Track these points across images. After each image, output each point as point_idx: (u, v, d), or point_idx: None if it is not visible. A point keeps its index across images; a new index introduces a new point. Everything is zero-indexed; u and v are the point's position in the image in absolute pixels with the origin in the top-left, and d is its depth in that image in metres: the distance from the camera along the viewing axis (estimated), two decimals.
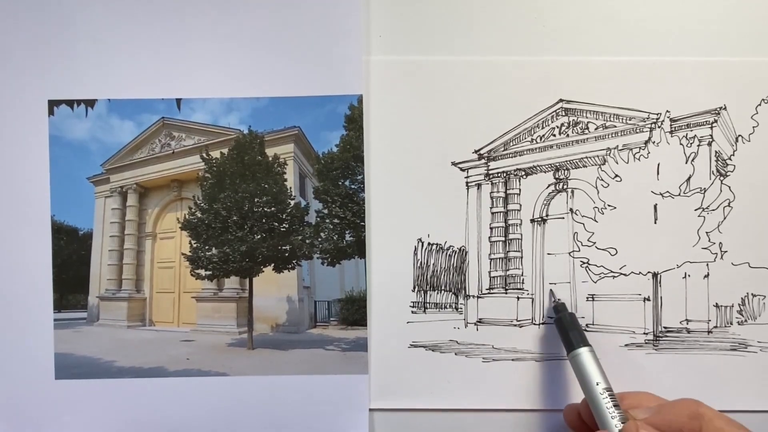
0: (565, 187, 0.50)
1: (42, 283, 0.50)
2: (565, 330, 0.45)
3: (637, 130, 0.49)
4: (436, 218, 0.50)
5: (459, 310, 0.50)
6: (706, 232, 0.49)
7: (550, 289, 0.49)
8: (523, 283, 0.50)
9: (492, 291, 0.50)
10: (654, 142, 0.49)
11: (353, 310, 0.50)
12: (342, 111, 0.49)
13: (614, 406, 0.40)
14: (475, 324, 0.50)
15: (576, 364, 0.43)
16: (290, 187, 0.52)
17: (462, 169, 0.50)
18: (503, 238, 0.50)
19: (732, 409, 0.47)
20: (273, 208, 0.52)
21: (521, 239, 0.50)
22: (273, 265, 0.52)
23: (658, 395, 0.43)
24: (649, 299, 0.49)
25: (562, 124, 0.50)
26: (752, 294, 0.48)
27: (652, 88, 0.49)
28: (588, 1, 0.49)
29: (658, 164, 0.49)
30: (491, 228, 0.50)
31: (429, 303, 0.50)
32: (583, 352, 0.43)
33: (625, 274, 0.49)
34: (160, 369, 0.50)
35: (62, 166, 0.50)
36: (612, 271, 0.49)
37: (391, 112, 0.50)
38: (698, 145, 0.49)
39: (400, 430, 0.49)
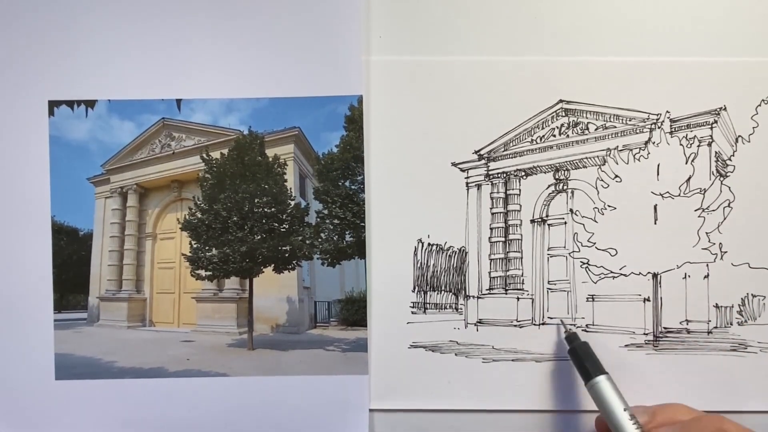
0: (565, 187, 0.50)
1: (42, 284, 0.50)
2: (580, 360, 0.45)
3: (637, 131, 0.49)
4: (436, 218, 0.50)
5: (459, 310, 0.50)
6: (706, 233, 0.49)
7: (560, 320, 0.49)
8: (523, 283, 0.50)
9: (492, 291, 0.50)
10: (654, 143, 0.49)
11: (353, 311, 0.50)
12: (342, 111, 0.49)
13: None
14: (475, 324, 0.50)
15: (596, 393, 0.43)
16: (290, 188, 0.52)
17: (462, 170, 0.50)
18: (503, 239, 0.50)
19: (732, 410, 0.47)
20: (273, 209, 0.52)
21: (521, 240, 0.50)
22: (273, 265, 0.52)
23: (691, 407, 0.42)
24: (649, 300, 0.49)
25: (562, 125, 0.50)
26: (752, 294, 0.48)
27: (652, 88, 0.49)
28: (588, 1, 0.49)
29: (658, 165, 0.49)
30: (491, 228, 0.50)
31: (429, 303, 0.50)
32: (602, 380, 0.42)
33: (625, 275, 0.49)
34: (161, 369, 0.50)
35: (62, 167, 0.50)
36: (612, 272, 0.49)
37: (391, 112, 0.50)
38: (698, 146, 0.49)
39: (400, 430, 0.49)
